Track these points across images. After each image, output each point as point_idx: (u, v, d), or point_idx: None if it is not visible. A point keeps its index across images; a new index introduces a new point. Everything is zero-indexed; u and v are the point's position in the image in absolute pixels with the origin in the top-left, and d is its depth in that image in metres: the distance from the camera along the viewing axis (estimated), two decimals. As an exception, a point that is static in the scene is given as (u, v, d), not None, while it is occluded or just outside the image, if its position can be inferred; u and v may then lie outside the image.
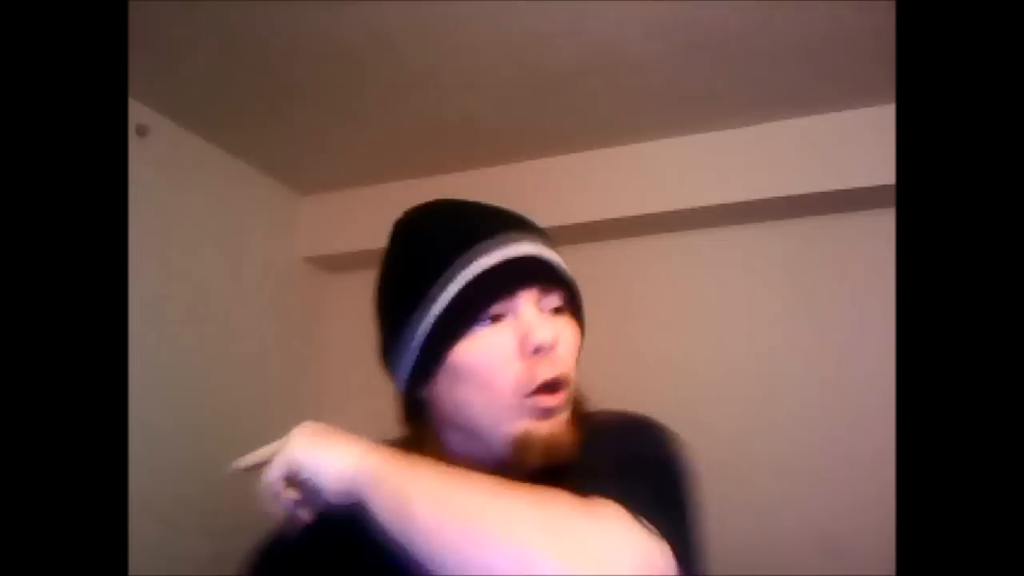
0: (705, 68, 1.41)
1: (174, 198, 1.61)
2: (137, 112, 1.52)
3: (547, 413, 0.70)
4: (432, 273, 0.73)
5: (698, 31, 1.30)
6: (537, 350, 0.69)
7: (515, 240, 0.73)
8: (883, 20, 1.24)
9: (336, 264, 2.08)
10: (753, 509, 1.48)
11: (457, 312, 0.71)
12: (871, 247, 1.61)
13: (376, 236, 2.20)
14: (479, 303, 0.70)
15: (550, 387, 0.69)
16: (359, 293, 2.44)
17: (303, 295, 2.02)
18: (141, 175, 1.48)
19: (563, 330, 0.72)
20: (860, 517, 1.46)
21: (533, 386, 0.69)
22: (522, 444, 0.70)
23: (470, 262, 0.71)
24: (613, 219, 1.73)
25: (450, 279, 0.72)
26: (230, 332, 1.74)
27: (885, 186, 1.49)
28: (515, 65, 1.41)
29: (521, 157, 1.79)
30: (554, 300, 0.73)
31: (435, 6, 1.24)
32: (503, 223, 0.75)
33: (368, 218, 2.01)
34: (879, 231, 1.59)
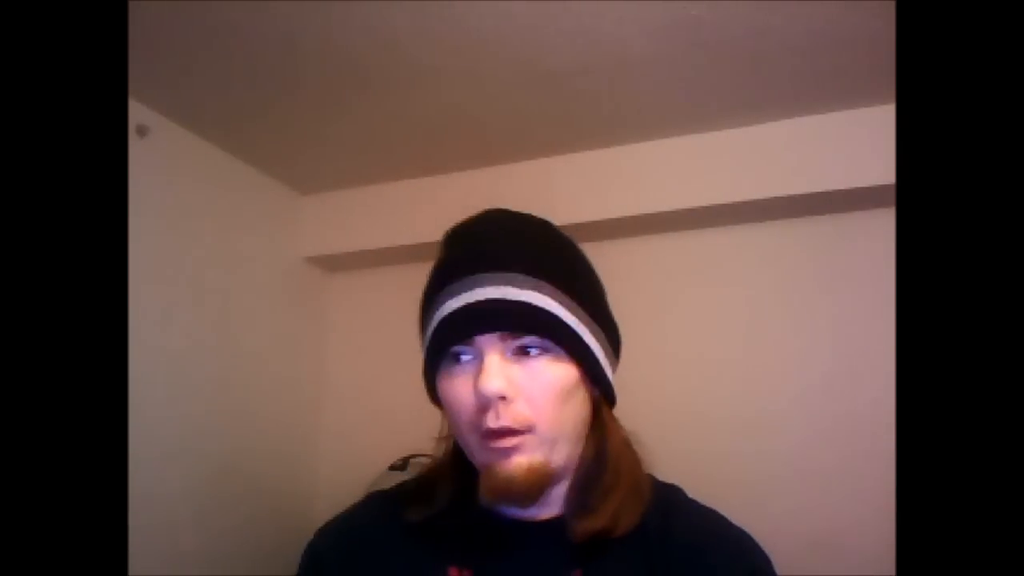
0: (705, 68, 1.41)
1: (174, 198, 1.61)
2: (137, 112, 1.52)
3: (502, 453, 0.71)
4: (424, 306, 0.79)
5: (698, 31, 1.30)
6: (483, 399, 0.70)
7: (481, 283, 0.73)
8: (883, 21, 1.25)
9: (336, 264, 2.08)
10: (752, 507, 1.48)
11: (433, 350, 0.76)
12: (871, 247, 1.61)
13: (376, 236, 2.21)
14: (445, 345, 0.74)
15: (498, 434, 0.71)
16: (359, 293, 2.45)
17: (303, 295, 2.02)
18: (141, 175, 1.48)
19: (528, 374, 0.72)
20: (860, 517, 1.46)
21: (483, 431, 0.71)
22: (484, 479, 0.72)
23: (441, 304, 0.75)
24: (613, 219, 1.73)
25: (429, 317, 0.77)
26: (230, 332, 1.74)
27: (885, 186, 1.49)
28: (515, 65, 1.41)
29: (521, 157, 1.79)
30: (522, 341, 0.72)
31: (435, 6, 1.24)
32: (483, 258, 0.74)
33: (368, 218, 2.01)
34: (879, 231, 1.59)
